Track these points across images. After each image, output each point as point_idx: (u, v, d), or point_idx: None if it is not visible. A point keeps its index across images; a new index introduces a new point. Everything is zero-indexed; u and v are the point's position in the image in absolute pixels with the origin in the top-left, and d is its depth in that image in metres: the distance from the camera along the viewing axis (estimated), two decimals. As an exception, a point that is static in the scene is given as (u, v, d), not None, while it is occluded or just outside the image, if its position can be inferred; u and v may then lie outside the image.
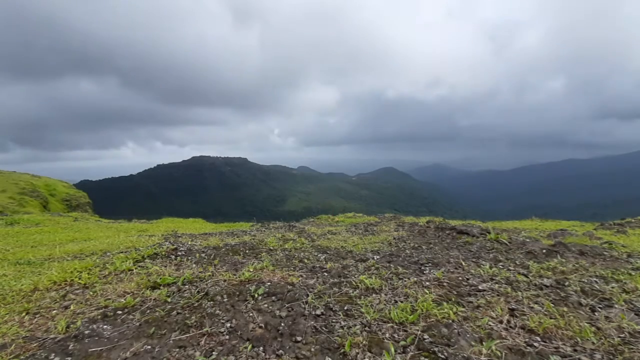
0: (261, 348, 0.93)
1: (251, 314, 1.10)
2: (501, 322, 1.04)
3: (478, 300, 1.19)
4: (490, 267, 1.53)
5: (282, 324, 1.04)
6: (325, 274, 1.53)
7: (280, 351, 0.92)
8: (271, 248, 2.05)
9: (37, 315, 1.17)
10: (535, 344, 0.93)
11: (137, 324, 1.07)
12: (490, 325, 1.03)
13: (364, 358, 0.87)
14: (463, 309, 1.12)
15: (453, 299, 1.21)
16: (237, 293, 1.27)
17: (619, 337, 0.96)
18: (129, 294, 1.31)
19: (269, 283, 1.35)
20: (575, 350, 0.90)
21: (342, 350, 0.91)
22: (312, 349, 0.92)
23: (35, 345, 0.98)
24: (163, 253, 1.82)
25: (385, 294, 1.26)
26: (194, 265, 1.64)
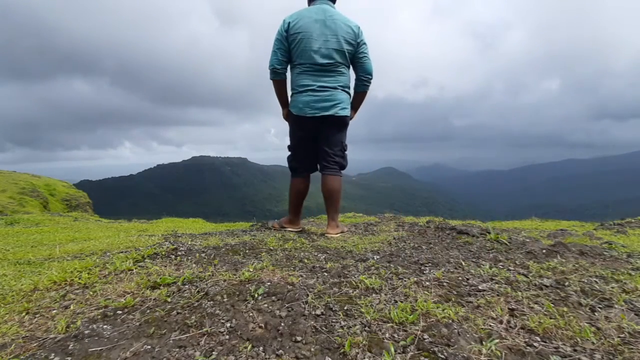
0: (261, 348, 0.93)
1: (251, 314, 1.10)
2: (501, 322, 1.04)
3: (478, 300, 1.19)
4: (490, 267, 1.53)
5: (282, 324, 1.04)
6: (325, 273, 1.52)
7: (280, 351, 0.91)
8: (271, 248, 2.05)
9: (37, 315, 1.17)
10: (535, 344, 0.93)
11: (137, 323, 1.07)
12: (490, 325, 1.03)
13: (364, 358, 0.87)
14: (463, 309, 1.12)
15: (453, 299, 1.21)
16: (237, 293, 1.26)
17: (619, 337, 0.96)
18: (129, 293, 1.30)
19: (269, 283, 1.35)
20: (575, 350, 0.90)
21: (342, 350, 0.90)
22: (312, 349, 0.92)
23: (35, 345, 0.98)
24: (163, 253, 1.82)
25: (385, 294, 1.26)
26: (194, 265, 1.64)
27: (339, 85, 2.55)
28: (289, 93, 2.68)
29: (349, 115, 2.65)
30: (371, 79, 2.68)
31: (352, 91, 2.70)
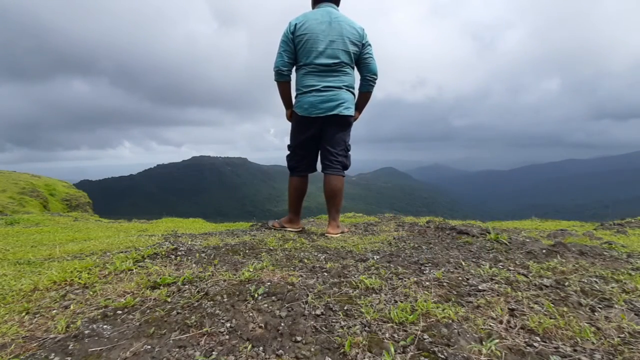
0: (261, 348, 0.93)
1: (251, 314, 1.10)
2: (501, 322, 1.04)
3: (478, 300, 1.19)
4: (490, 267, 1.53)
5: (282, 324, 1.04)
6: (325, 273, 1.52)
7: (280, 351, 0.91)
8: (271, 248, 2.05)
9: (37, 315, 1.17)
10: (535, 344, 0.93)
11: (137, 323, 1.07)
12: (490, 325, 1.03)
13: (364, 358, 0.87)
14: (463, 309, 1.12)
15: (453, 299, 1.21)
16: (237, 293, 1.26)
17: (619, 337, 0.96)
18: (129, 293, 1.30)
19: (268, 283, 1.35)
20: (575, 350, 0.90)
21: (342, 350, 0.90)
22: (312, 349, 0.92)
23: (35, 345, 0.98)
24: (163, 253, 1.82)
25: (385, 294, 1.26)
26: (193, 265, 1.64)
27: (343, 85, 2.58)
28: (294, 94, 2.70)
29: (353, 115, 2.69)
30: (376, 79, 2.73)
31: (356, 92, 2.73)
